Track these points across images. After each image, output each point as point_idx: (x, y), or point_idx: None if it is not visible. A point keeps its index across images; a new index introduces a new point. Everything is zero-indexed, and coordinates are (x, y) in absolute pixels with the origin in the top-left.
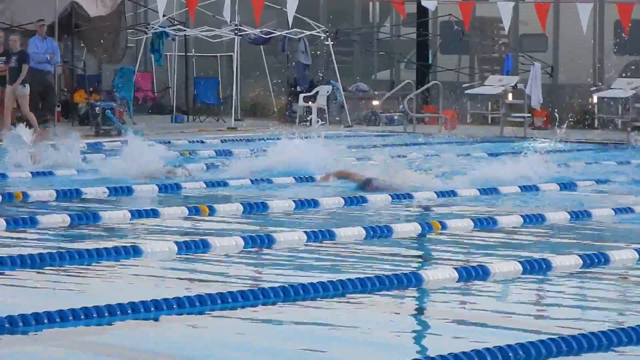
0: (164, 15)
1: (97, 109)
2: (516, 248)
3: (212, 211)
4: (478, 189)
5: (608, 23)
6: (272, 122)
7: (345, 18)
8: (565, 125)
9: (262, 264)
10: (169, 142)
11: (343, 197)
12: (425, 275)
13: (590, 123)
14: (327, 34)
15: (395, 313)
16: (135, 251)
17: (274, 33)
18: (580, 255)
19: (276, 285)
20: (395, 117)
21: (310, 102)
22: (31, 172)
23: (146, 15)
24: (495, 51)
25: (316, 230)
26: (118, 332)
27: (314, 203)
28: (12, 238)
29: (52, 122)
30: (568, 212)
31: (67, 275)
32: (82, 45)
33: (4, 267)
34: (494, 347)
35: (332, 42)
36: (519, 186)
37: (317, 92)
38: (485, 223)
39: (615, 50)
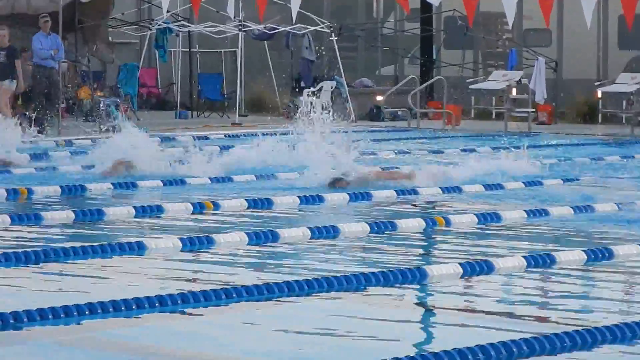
0: (168, 11)
1: (101, 105)
2: (520, 243)
3: (216, 207)
4: (483, 185)
5: (612, 18)
6: (276, 118)
7: (349, 13)
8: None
9: (266, 260)
10: (174, 138)
11: (348, 193)
12: (430, 270)
13: (595, 118)
14: (331, 29)
15: (400, 308)
16: (139, 247)
17: (278, 29)
18: (584, 250)
19: (281, 280)
20: (399, 113)
21: (314, 98)
22: None
23: (150, 12)
24: (499, 46)
25: (320, 226)
26: (123, 328)
27: (319, 199)
28: (16, 234)
29: (56, 118)
30: (572, 207)
31: (72, 271)
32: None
33: (8, 264)
34: (498, 342)
35: (336, 38)
36: (524, 182)
37: (321, 88)
38: (489, 218)
39: (619, 44)
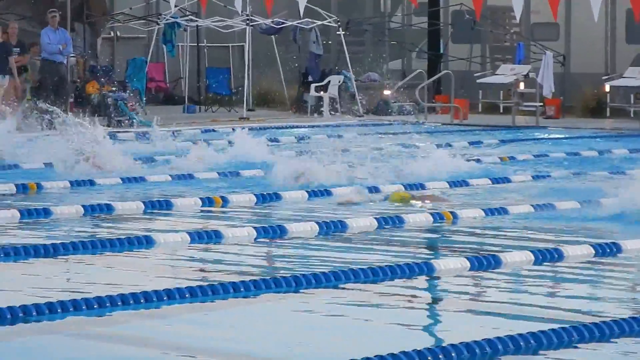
0: (175, 6)
1: (109, 99)
2: (528, 237)
3: (225, 202)
4: (490, 179)
5: (620, 11)
6: (283, 112)
7: (356, 8)
8: None
9: (274, 254)
10: (180, 132)
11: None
12: (437, 264)
13: (602, 112)
14: (339, 23)
15: (407, 302)
16: (148, 241)
17: (285, 23)
18: (592, 245)
19: (288, 274)
20: (407, 107)
21: (321, 92)
22: None
23: (158, 6)
24: (506, 40)
25: (328, 220)
26: (130, 322)
27: (327, 193)
28: (26, 228)
29: (65, 112)
30: (579, 202)
31: (81, 265)
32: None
33: (18, 257)
34: (505, 336)
35: (343, 32)
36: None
37: (328, 82)
38: (496, 212)
39: (627, 38)
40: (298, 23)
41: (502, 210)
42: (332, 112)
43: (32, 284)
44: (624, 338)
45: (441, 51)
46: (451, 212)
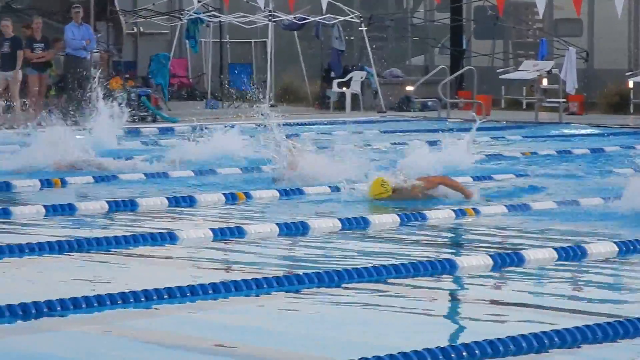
0: (198, 2)
1: (132, 95)
2: (551, 234)
3: (248, 197)
4: (514, 174)
5: None
6: (306, 108)
7: (379, 3)
8: None
9: (297, 251)
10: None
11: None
12: (460, 262)
13: (626, 108)
14: (361, 19)
15: (430, 300)
16: (171, 237)
17: (307, 19)
18: (615, 242)
19: (311, 271)
20: (430, 103)
21: (344, 88)
22: None
23: (181, 2)
24: (529, 36)
25: (350, 217)
26: (155, 317)
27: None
28: (51, 224)
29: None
30: (602, 198)
31: (105, 260)
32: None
33: (42, 252)
34: (529, 333)
35: (365, 28)
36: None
37: (351, 78)
38: (519, 209)
39: None
40: (320, 19)
41: (524, 207)
42: (355, 108)
43: (56, 280)
44: None
45: (464, 47)
46: (474, 209)
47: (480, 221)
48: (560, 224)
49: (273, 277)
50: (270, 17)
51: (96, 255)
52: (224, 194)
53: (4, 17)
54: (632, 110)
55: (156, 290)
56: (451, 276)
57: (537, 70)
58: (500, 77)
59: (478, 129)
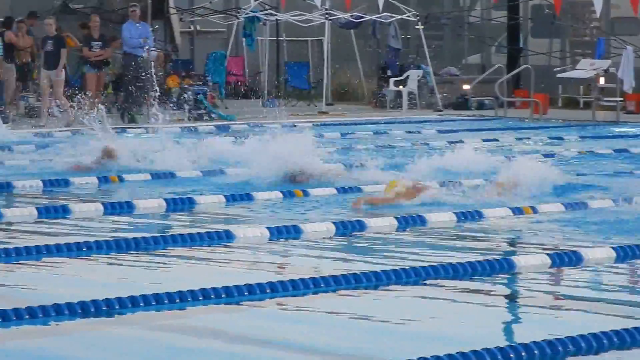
0: (255, 0)
1: (189, 93)
2: (609, 233)
3: (305, 195)
4: (572, 173)
5: None
6: (362, 107)
7: (435, 2)
8: None
9: (353, 250)
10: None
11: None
12: (518, 261)
13: None
14: (418, 18)
15: (488, 300)
16: (228, 236)
17: (364, 17)
18: None
19: (368, 270)
20: (486, 101)
21: (400, 87)
22: None
23: (237, 0)
24: (586, 35)
25: (407, 215)
26: (212, 316)
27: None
28: (109, 222)
29: (146, 106)
30: None
31: (162, 259)
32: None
33: (100, 251)
34: (588, 333)
35: (422, 26)
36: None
37: (407, 77)
38: (576, 207)
39: None
40: (377, 17)
41: (582, 205)
42: (411, 107)
43: (114, 278)
44: None
45: (520, 46)
46: (531, 207)
47: (537, 219)
48: (618, 223)
49: (330, 276)
50: (326, 16)
51: (154, 254)
52: (282, 192)
53: (47, 16)
54: None
55: (214, 289)
56: (509, 275)
57: (594, 69)
58: (557, 75)
59: (535, 128)
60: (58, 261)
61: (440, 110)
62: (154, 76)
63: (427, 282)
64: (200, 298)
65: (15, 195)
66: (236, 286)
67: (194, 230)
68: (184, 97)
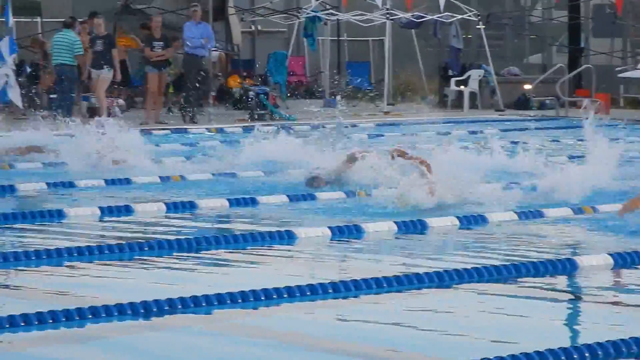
0: (316, 0)
1: (250, 93)
2: None
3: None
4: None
5: None
6: (423, 107)
7: (496, 1)
8: None
9: (415, 250)
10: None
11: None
12: (580, 261)
13: None
14: (479, 17)
15: (550, 300)
16: (289, 236)
17: (425, 17)
18: None
19: (430, 270)
20: (547, 101)
21: (462, 87)
22: None
23: (298, 0)
24: None
25: (468, 215)
26: (274, 316)
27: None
28: (171, 222)
29: (207, 106)
30: None
31: (224, 260)
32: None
33: (162, 252)
34: None
35: (483, 26)
36: None
37: (469, 76)
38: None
39: None
40: (438, 17)
41: None
42: (472, 107)
43: (176, 278)
44: None
45: (582, 45)
46: (592, 207)
47: (598, 219)
48: None
49: (393, 276)
50: (387, 15)
51: (216, 254)
52: (344, 191)
53: (97, 15)
54: None
55: (276, 289)
56: (571, 276)
57: None
58: (619, 75)
59: (598, 127)
60: (120, 261)
61: (502, 110)
62: (215, 76)
63: (489, 282)
64: (263, 298)
65: (77, 195)
66: (298, 286)
67: (256, 230)
68: (245, 97)
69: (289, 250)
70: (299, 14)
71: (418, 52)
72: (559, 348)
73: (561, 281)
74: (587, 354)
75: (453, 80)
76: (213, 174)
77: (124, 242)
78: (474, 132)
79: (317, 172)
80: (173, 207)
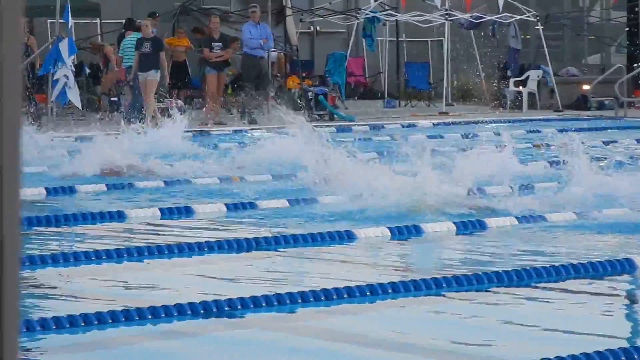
0: (375, 1)
1: (309, 94)
2: None
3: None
4: None
5: None
6: (482, 107)
7: (555, 2)
8: None
9: (475, 249)
10: (383, 127)
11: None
12: (638, 261)
13: None
14: (537, 18)
15: (609, 300)
16: (349, 236)
17: (484, 18)
18: None
19: (490, 270)
20: (606, 102)
21: (520, 87)
22: None
23: (357, 1)
24: None
25: (527, 215)
26: (334, 317)
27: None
28: (232, 222)
29: (266, 107)
30: None
31: (284, 259)
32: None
33: (221, 251)
34: None
35: (542, 27)
36: None
37: (527, 77)
38: None
39: None
40: (497, 17)
41: None
42: (531, 107)
43: (236, 278)
44: None
45: None
46: None
47: None
48: None
49: (452, 276)
50: (446, 16)
51: (276, 254)
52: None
53: (155, 16)
54: None
55: (336, 289)
56: (630, 276)
57: None
58: None
59: None
60: (180, 261)
61: (560, 111)
62: (274, 77)
63: (549, 282)
64: (323, 298)
65: (138, 196)
66: (358, 286)
67: (315, 230)
68: (304, 98)
69: (349, 250)
70: (357, 15)
71: (477, 53)
72: (619, 348)
73: (620, 281)
74: None
75: (512, 80)
76: (272, 175)
77: (183, 243)
78: (532, 132)
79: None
80: (233, 207)
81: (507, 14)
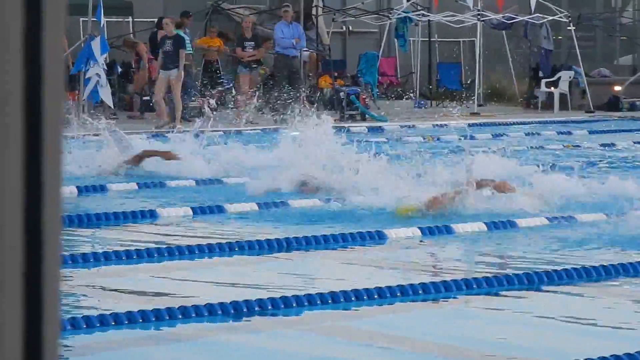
0: (407, 1)
1: (341, 94)
2: None
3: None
4: None
5: None
6: (514, 108)
7: (587, 3)
8: None
9: (505, 250)
10: (414, 127)
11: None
12: None
13: None
14: (569, 19)
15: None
16: (380, 237)
17: (516, 18)
18: None
19: (520, 272)
20: (638, 103)
21: (552, 88)
22: None
23: (389, 1)
24: None
25: (558, 215)
26: (365, 317)
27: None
28: (263, 222)
29: (298, 106)
30: None
31: (314, 260)
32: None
33: (252, 251)
34: None
35: (574, 27)
36: None
37: (559, 78)
38: None
39: None
40: (529, 18)
41: None
42: (562, 108)
43: (265, 279)
44: None
45: None
46: None
47: None
48: None
49: (483, 277)
50: (478, 17)
51: (307, 254)
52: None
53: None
54: None
55: (366, 290)
56: None
57: None
58: None
59: None
60: (210, 261)
61: (592, 112)
62: (306, 76)
63: (579, 283)
64: (353, 299)
65: (169, 195)
66: (388, 287)
67: (346, 231)
68: (336, 98)
69: (380, 251)
70: (390, 15)
71: (508, 53)
72: (637, 352)
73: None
74: None
75: (543, 81)
76: (302, 174)
77: (214, 243)
78: (563, 133)
79: (306, 179)
80: (265, 206)
81: (539, 15)
